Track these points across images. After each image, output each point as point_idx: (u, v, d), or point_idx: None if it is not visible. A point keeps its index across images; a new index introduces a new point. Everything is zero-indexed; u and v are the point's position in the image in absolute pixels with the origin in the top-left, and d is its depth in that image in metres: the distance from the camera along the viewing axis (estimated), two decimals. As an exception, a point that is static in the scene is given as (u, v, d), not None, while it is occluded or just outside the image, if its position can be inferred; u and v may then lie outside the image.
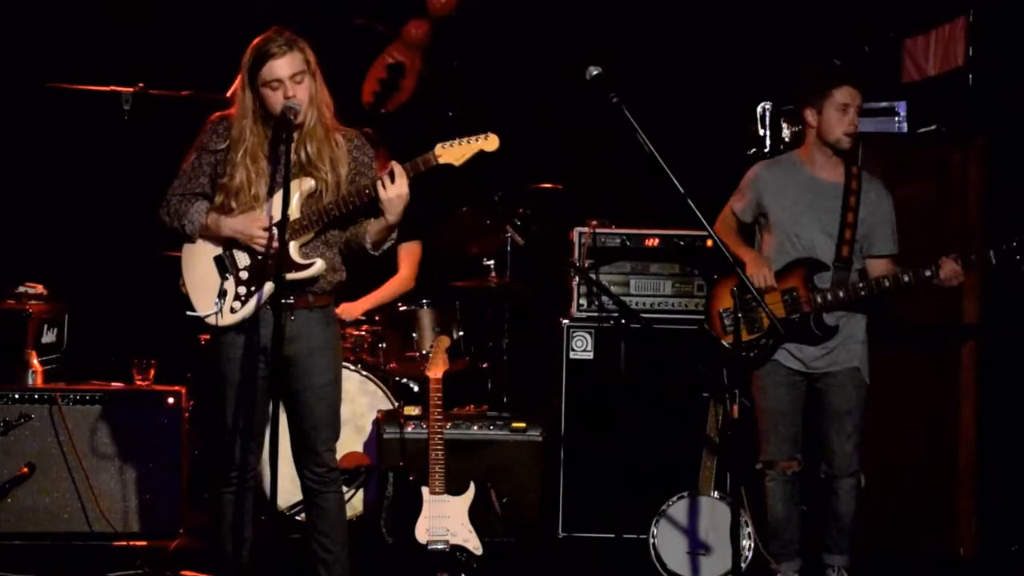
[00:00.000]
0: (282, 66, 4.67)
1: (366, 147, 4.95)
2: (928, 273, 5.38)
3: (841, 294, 5.43)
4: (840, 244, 5.47)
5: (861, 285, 5.42)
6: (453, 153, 4.69)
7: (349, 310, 6.77)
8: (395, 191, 4.68)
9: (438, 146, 4.71)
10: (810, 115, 5.50)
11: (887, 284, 5.41)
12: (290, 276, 4.75)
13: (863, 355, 5.55)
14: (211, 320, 4.83)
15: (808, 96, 5.50)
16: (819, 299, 5.44)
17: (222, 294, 4.83)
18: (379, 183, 4.69)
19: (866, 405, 5.57)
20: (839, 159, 5.56)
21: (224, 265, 4.86)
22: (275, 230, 4.72)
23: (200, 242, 4.89)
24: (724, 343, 5.55)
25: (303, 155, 4.79)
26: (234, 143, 4.79)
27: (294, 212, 4.76)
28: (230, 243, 4.85)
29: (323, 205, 4.77)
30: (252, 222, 4.79)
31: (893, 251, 5.58)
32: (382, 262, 6.79)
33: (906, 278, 5.39)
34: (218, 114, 4.91)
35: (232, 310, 4.81)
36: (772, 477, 5.56)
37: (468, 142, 4.69)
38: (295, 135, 4.73)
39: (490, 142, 4.70)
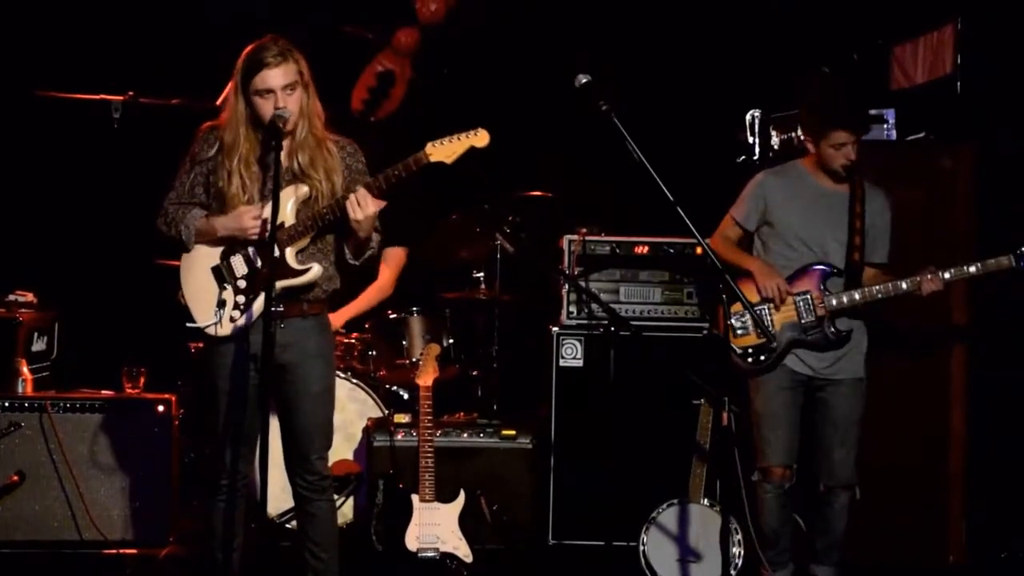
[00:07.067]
0: (275, 76, 4.69)
1: (359, 154, 4.95)
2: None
3: (857, 296, 5.45)
4: (851, 249, 5.51)
5: (877, 288, 5.44)
6: (443, 151, 4.68)
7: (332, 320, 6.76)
8: (362, 214, 4.68)
9: (428, 144, 4.69)
10: (809, 145, 5.56)
11: (905, 286, 5.43)
12: (288, 282, 4.76)
13: (864, 367, 5.58)
14: (211, 331, 4.83)
15: (806, 130, 5.58)
16: (834, 301, 5.46)
17: (221, 303, 4.82)
18: (348, 204, 4.69)
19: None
20: None
21: (222, 274, 4.85)
22: (267, 215, 4.72)
23: (197, 252, 4.88)
24: (735, 347, 5.55)
25: (296, 165, 4.80)
26: (227, 149, 4.80)
27: (289, 218, 4.77)
28: (227, 251, 4.85)
29: (318, 210, 4.78)
30: (242, 214, 4.77)
31: (887, 261, 5.62)
32: (367, 269, 6.77)
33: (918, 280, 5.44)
34: (208, 124, 4.92)
35: (232, 319, 4.81)
36: (768, 490, 5.57)
37: (458, 139, 4.68)
38: (284, 144, 4.72)
39: (480, 138, 4.68)
